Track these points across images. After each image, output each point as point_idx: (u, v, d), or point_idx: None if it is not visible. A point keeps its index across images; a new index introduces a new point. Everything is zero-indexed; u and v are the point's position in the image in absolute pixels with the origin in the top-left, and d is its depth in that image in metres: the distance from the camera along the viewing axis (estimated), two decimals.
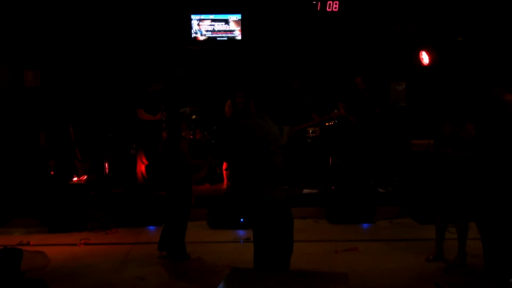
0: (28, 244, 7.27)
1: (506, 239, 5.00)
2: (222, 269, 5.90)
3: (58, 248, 7.10)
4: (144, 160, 9.11)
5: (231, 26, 10.83)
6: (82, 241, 7.32)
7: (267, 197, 4.59)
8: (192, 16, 10.79)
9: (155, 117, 9.11)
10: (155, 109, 9.11)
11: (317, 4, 10.43)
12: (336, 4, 10.45)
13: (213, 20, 10.84)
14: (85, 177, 8.85)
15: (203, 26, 10.83)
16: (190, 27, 10.80)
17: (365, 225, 8.02)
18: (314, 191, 8.99)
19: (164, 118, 9.42)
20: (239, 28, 10.82)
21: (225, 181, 9.34)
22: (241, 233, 7.63)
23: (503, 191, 4.91)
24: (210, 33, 10.85)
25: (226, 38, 10.88)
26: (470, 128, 5.68)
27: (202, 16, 10.82)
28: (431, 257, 6.17)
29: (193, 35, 10.83)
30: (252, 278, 3.75)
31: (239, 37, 10.85)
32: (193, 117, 10.23)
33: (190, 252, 6.67)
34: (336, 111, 9.40)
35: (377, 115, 9.65)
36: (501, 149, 4.87)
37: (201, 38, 10.87)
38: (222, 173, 9.57)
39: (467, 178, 5.55)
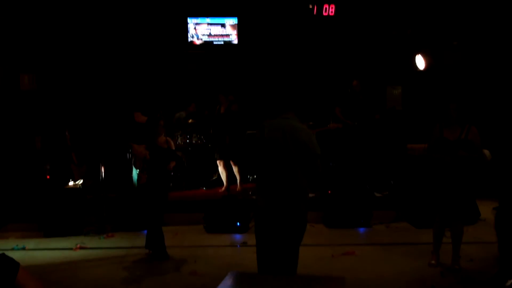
0: (24, 248, 7.24)
1: None
2: (219, 273, 5.86)
3: (53, 252, 7.08)
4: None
5: (227, 30, 10.84)
6: (78, 246, 7.29)
7: (305, 201, 4.47)
8: (189, 20, 10.80)
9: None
10: (153, 112, 9.11)
11: (313, 8, 10.46)
12: (332, 8, 10.48)
13: (209, 24, 10.85)
14: (81, 181, 8.83)
15: (199, 30, 10.84)
16: (186, 31, 10.81)
17: (361, 229, 8.01)
18: (310, 195, 8.97)
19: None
20: (235, 32, 10.83)
21: (225, 185, 9.34)
22: (238, 237, 7.62)
23: None
24: (206, 37, 10.86)
25: (222, 42, 10.89)
26: (476, 131, 5.79)
27: (199, 20, 10.83)
28: (433, 262, 6.08)
29: (189, 39, 10.84)
30: (249, 282, 3.73)
31: (235, 41, 10.86)
32: (190, 121, 10.22)
33: (186, 256, 6.67)
34: (332, 123, 9.42)
35: (376, 120, 9.65)
36: None
37: (198, 42, 10.88)
38: (218, 177, 9.56)
39: (471, 181, 5.69)
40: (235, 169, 9.39)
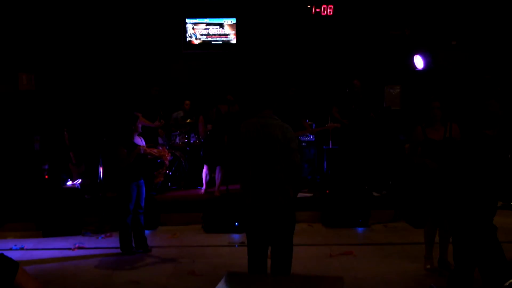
0: (22, 248, 7.24)
1: (475, 241, 4.85)
2: (217, 273, 5.88)
3: (52, 252, 7.08)
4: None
5: (226, 30, 10.84)
6: (76, 245, 7.29)
7: (286, 196, 4.59)
8: (187, 20, 10.81)
9: (153, 124, 9.14)
10: (153, 114, 9.13)
11: (311, 8, 10.47)
12: (330, 8, 10.49)
13: (208, 24, 10.85)
14: (79, 181, 8.82)
15: (198, 30, 10.84)
16: (185, 30, 10.81)
17: (360, 229, 8.02)
18: (309, 195, 8.99)
19: (161, 125, 9.45)
20: (234, 32, 10.84)
21: (217, 186, 9.27)
22: (236, 237, 7.62)
23: (478, 196, 4.77)
24: (205, 37, 10.86)
25: (221, 42, 10.89)
26: (458, 129, 5.71)
27: (197, 20, 10.83)
28: (429, 267, 5.96)
29: (187, 39, 10.84)
30: (247, 282, 3.74)
31: (233, 41, 10.86)
32: (188, 120, 10.21)
33: (185, 256, 6.68)
34: (331, 123, 9.41)
35: (371, 119, 9.66)
36: (483, 156, 4.74)
37: (196, 42, 10.88)
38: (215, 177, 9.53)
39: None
40: (218, 176, 9.20)
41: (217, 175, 9.18)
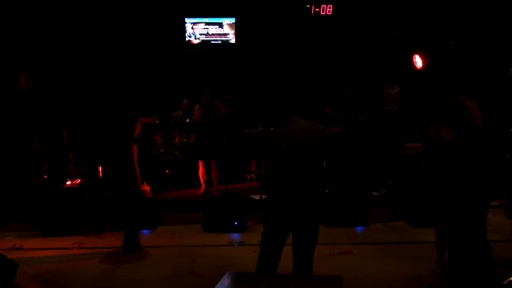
0: (21, 248, 7.24)
1: (471, 240, 4.81)
2: (217, 273, 5.87)
3: (51, 252, 7.06)
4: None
5: (225, 29, 10.85)
6: (76, 245, 7.28)
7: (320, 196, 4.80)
8: (186, 20, 10.81)
9: (147, 120, 9.14)
10: (147, 113, 9.14)
11: (311, 7, 10.48)
12: (330, 8, 10.50)
13: (207, 24, 10.86)
14: (79, 181, 8.82)
15: (197, 30, 10.84)
16: (184, 30, 10.82)
17: (359, 228, 8.02)
18: None
19: (156, 122, 9.45)
20: (233, 31, 10.84)
21: (215, 185, 9.27)
22: (236, 236, 7.62)
23: (467, 192, 4.73)
24: (204, 36, 10.87)
25: (220, 42, 10.90)
26: None
27: (196, 20, 10.84)
28: (441, 271, 5.73)
29: (187, 39, 10.85)
30: (247, 281, 3.74)
31: (233, 41, 10.87)
32: (187, 120, 10.22)
33: (184, 256, 6.68)
34: (332, 126, 9.42)
35: (362, 122, 9.61)
36: (465, 152, 4.72)
37: (195, 41, 10.89)
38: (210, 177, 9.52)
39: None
40: (214, 173, 9.23)
41: (214, 174, 9.18)
